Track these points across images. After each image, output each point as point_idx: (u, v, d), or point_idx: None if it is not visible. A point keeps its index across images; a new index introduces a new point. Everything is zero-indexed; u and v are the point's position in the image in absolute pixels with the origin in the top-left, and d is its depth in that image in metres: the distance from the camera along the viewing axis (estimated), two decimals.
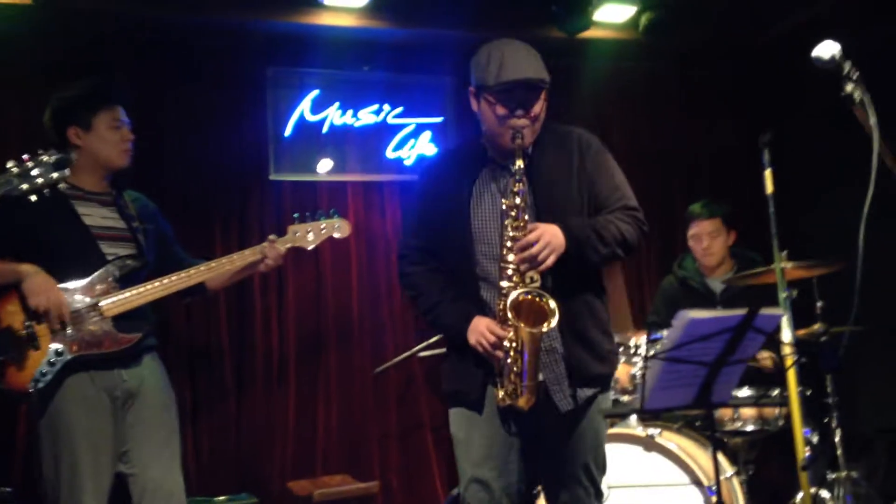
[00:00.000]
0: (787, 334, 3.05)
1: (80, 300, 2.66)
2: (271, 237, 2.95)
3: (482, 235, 2.36)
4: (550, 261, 2.23)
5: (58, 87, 2.88)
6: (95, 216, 2.78)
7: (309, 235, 3.01)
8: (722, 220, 3.89)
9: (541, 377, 2.31)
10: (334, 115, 4.70)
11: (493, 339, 2.26)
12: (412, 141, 4.83)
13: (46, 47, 4.10)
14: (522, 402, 2.26)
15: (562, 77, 5.12)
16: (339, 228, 3.05)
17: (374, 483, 4.12)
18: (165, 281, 2.78)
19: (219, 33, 4.40)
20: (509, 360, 2.25)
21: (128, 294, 2.71)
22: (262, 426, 4.31)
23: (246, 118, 4.51)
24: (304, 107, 4.65)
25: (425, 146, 4.83)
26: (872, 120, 2.21)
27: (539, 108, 2.34)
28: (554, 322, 2.21)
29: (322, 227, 3.03)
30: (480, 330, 2.28)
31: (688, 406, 2.53)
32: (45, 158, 2.25)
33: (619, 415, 3.37)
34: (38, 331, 2.61)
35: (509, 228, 2.27)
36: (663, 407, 2.53)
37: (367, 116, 4.76)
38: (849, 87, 2.23)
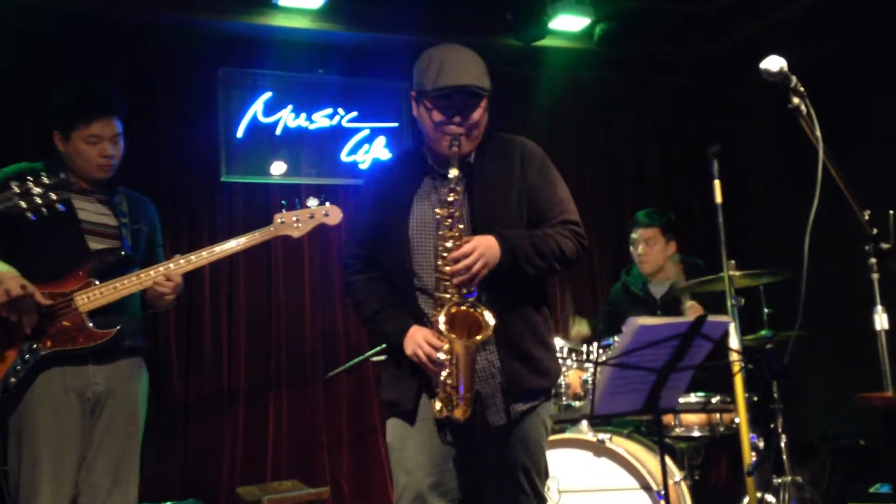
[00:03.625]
0: (734, 341, 3.09)
1: (56, 294, 2.61)
2: (176, 257, 2.78)
3: (419, 245, 2.31)
4: (483, 272, 2.19)
5: (51, 88, 2.84)
6: (90, 211, 2.76)
7: (296, 223, 2.85)
8: (661, 230, 3.93)
9: (477, 389, 2.27)
10: (288, 118, 4.67)
11: (429, 350, 2.22)
12: (367, 146, 4.81)
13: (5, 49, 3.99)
14: (458, 414, 2.22)
15: (516, 85, 5.23)
16: (328, 215, 2.88)
17: (325, 489, 4.07)
18: (139, 277, 2.69)
19: (170, 32, 4.34)
20: (445, 372, 2.21)
21: (106, 288, 2.66)
22: (211, 431, 4.25)
23: (197, 119, 4.46)
24: (257, 108, 4.61)
25: (380, 151, 4.82)
26: (817, 132, 2.27)
27: (478, 115, 2.29)
28: (487, 334, 2.18)
29: (310, 214, 2.86)
30: (417, 341, 2.24)
31: (636, 412, 2.54)
32: (45, 180, 2.34)
33: (570, 420, 3.39)
34: (11, 327, 2.56)
35: (443, 239, 2.23)
36: (613, 412, 2.54)
37: (321, 120, 4.74)
38: (795, 100, 2.29)
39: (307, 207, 2.87)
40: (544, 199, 2.35)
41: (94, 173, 2.76)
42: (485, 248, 2.18)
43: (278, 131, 4.65)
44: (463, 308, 2.19)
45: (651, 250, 3.91)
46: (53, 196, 2.35)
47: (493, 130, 2.39)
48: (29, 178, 2.36)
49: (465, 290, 2.21)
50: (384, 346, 4.03)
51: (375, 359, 4.10)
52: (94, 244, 2.74)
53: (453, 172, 2.22)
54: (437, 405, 2.24)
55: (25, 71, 4.08)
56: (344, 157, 4.78)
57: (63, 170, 2.68)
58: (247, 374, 4.38)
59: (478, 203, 2.27)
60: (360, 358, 4.18)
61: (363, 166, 4.79)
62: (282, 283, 4.52)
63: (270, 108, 4.62)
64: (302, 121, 4.69)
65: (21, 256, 2.62)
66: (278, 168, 4.66)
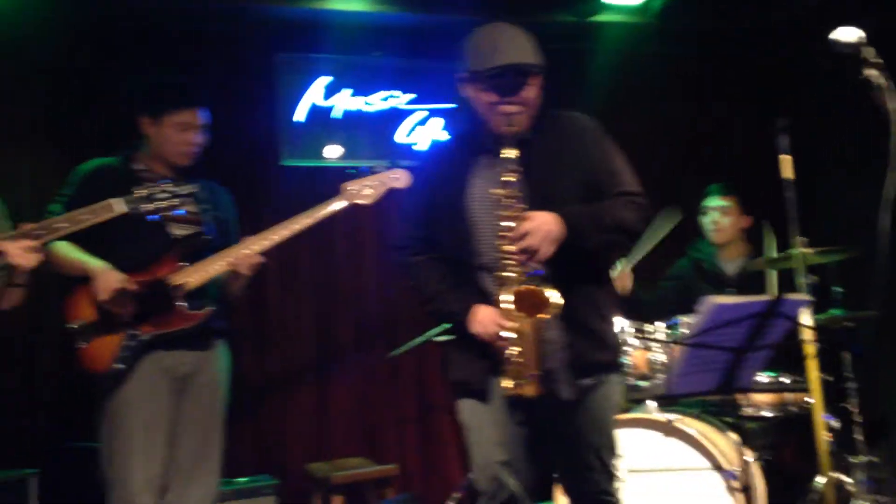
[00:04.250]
0: (807, 319, 3.04)
1: (149, 280, 2.72)
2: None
3: (479, 224, 2.31)
4: (548, 250, 2.19)
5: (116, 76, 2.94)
6: None
7: (366, 190, 2.90)
8: (737, 201, 3.91)
9: (545, 366, 2.29)
10: (346, 101, 4.69)
11: (495, 328, 2.24)
12: (423, 127, 4.81)
13: (54, 34, 4.09)
14: (529, 391, 2.24)
15: (571, 62, 5.17)
16: (397, 178, 2.87)
17: (393, 466, 4.13)
18: (226, 259, 2.79)
19: (229, 19, 4.37)
20: (514, 350, 2.23)
21: (196, 272, 2.76)
22: (279, 409, 4.34)
23: (257, 104, 4.50)
24: (316, 92, 4.64)
25: (438, 132, 4.82)
26: (893, 105, 2.19)
27: (531, 93, 2.29)
28: (554, 311, 2.19)
29: (379, 179, 2.89)
30: (482, 320, 2.26)
31: (712, 391, 2.53)
32: (168, 187, 2.51)
33: (638, 400, 3.37)
34: (112, 317, 2.71)
35: (504, 218, 2.22)
36: (688, 392, 2.54)
37: (379, 102, 4.75)
38: (869, 72, 2.21)
39: (375, 173, 2.89)
40: (603, 173, 2.35)
41: (178, 159, 2.87)
42: (547, 224, 2.19)
43: (336, 115, 4.67)
44: (528, 286, 2.20)
45: (726, 220, 3.88)
46: (176, 202, 2.49)
47: (549, 107, 2.37)
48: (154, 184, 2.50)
49: (529, 268, 2.21)
50: (446, 325, 4.09)
51: (439, 338, 4.12)
52: (177, 230, 2.83)
53: (510, 152, 2.22)
54: (507, 383, 2.26)
55: (81, 59, 4.16)
56: (400, 138, 4.79)
57: (135, 163, 2.77)
58: (313, 352, 4.45)
59: (536, 181, 2.27)
60: (424, 337, 4.21)
61: (419, 147, 4.79)
62: (343, 264, 4.57)
63: (329, 92, 4.65)
64: (360, 103, 4.72)
65: (108, 249, 2.74)
66: (334, 151, 4.68)
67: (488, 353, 2.30)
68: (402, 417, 4.57)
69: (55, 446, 3.79)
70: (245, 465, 4.06)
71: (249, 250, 2.81)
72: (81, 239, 2.73)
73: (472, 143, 2.39)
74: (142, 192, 2.49)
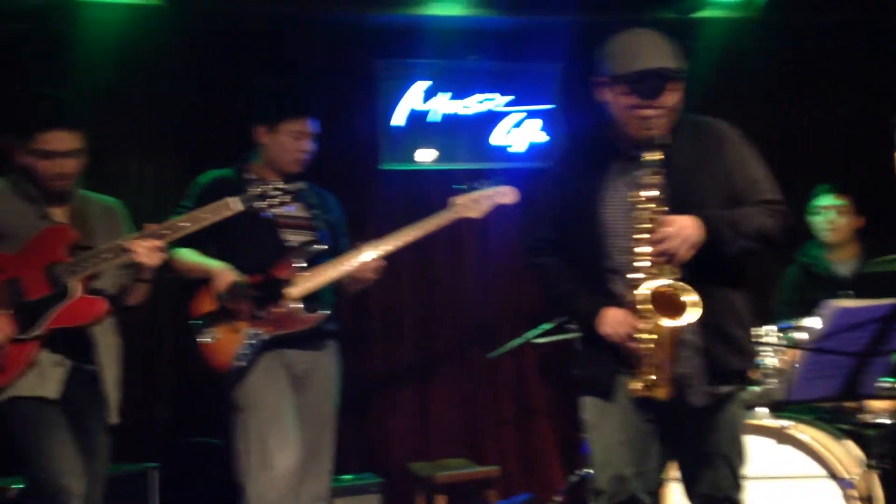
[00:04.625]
0: None
1: (268, 284, 2.85)
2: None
3: (613, 227, 2.33)
4: (687, 254, 2.19)
5: (254, 82, 3.16)
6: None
7: (475, 204, 2.99)
8: (852, 200, 3.78)
9: (678, 370, 2.27)
10: (443, 105, 4.73)
11: (628, 330, 2.24)
12: (520, 129, 4.81)
13: (173, 46, 4.27)
14: (661, 394, 2.24)
15: None
16: (505, 195, 2.99)
17: (495, 468, 4.16)
18: (341, 265, 2.91)
19: (330, 27, 4.48)
20: (647, 352, 2.23)
21: (312, 276, 2.88)
22: (383, 408, 4.43)
23: (357, 110, 4.58)
24: (414, 97, 4.70)
25: (536, 134, 4.81)
26: None
27: (672, 98, 2.28)
28: (695, 314, 2.17)
29: (487, 194, 2.99)
30: (614, 321, 2.27)
31: (834, 398, 2.46)
32: (278, 185, 2.66)
33: (750, 406, 3.29)
34: (235, 316, 2.84)
35: (643, 220, 2.23)
36: (809, 398, 2.47)
37: (475, 105, 4.77)
38: None
39: (483, 189, 2.96)
40: (743, 179, 2.33)
41: (291, 167, 2.98)
42: (688, 228, 2.19)
43: (434, 118, 4.72)
44: (667, 288, 2.19)
45: (841, 219, 3.75)
46: (288, 199, 2.64)
47: (687, 113, 2.36)
48: (268, 184, 2.65)
49: (665, 271, 2.21)
50: (545, 327, 4.09)
51: (537, 340, 4.12)
52: (290, 236, 2.96)
53: (653, 155, 2.22)
54: (636, 384, 2.26)
55: (197, 70, 4.32)
56: (498, 141, 4.80)
57: (247, 173, 2.93)
58: (414, 353, 4.53)
59: (676, 185, 2.26)
60: (522, 339, 4.22)
61: (515, 149, 4.80)
62: (442, 266, 4.62)
63: (426, 96, 4.70)
64: (457, 107, 4.75)
65: (228, 254, 2.88)
66: (431, 154, 4.72)
67: (617, 353, 2.30)
68: (501, 419, 4.59)
69: (175, 441, 3.96)
70: (350, 462, 4.15)
71: (368, 258, 2.90)
72: (204, 247, 2.90)
73: (604, 146, 2.40)
74: (255, 190, 2.62)
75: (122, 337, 2.77)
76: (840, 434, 3.19)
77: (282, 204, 2.66)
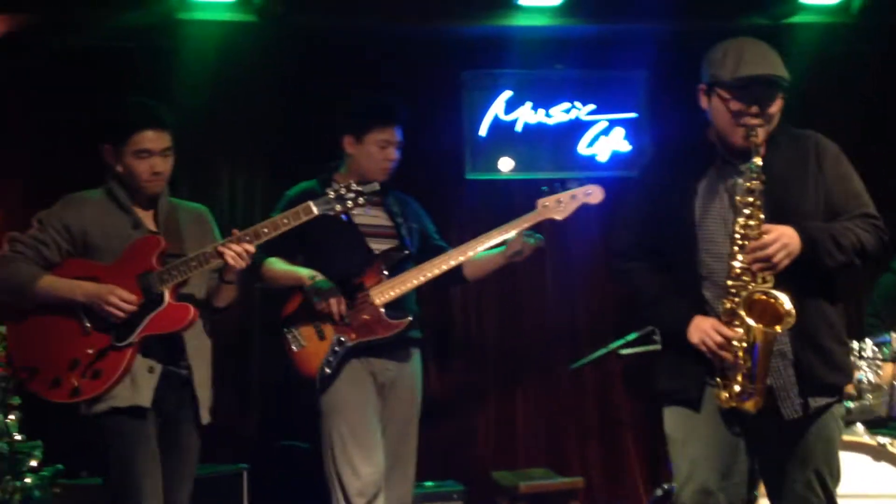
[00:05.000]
0: None
1: (354, 291, 2.93)
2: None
3: (708, 234, 2.32)
4: (785, 263, 2.17)
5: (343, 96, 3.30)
6: (364, 215, 3.04)
7: (560, 206, 2.96)
8: None
9: (768, 381, 2.23)
10: (527, 114, 4.75)
11: (719, 339, 2.22)
12: (604, 138, 4.79)
13: (265, 61, 4.43)
14: (750, 406, 2.21)
15: None
16: (591, 195, 2.95)
17: (579, 479, 4.13)
18: (423, 268, 2.97)
19: (419, 39, 4.56)
20: (738, 361, 2.20)
21: (396, 283, 2.94)
22: (465, 416, 4.47)
23: (442, 121, 4.64)
24: (498, 107, 4.73)
25: (619, 143, 4.78)
26: None
27: (775, 107, 2.28)
28: (790, 323, 2.14)
29: (572, 194, 2.95)
30: (705, 329, 2.25)
31: None
32: (353, 186, 2.67)
33: (846, 422, 3.19)
34: (323, 323, 2.92)
35: (741, 227, 2.22)
36: None
37: (559, 114, 4.78)
38: None
39: (568, 189, 2.94)
40: (840, 193, 2.31)
41: (377, 176, 3.02)
42: (788, 237, 2.17)
43: (518, 128, 4.74)
44: (763, 297, 2.17)
45: None
46: (361, 200, 2.67)
47: (786, 125, 2.35)
48: (342, 186, 2.68)
49: (762, 280, 2.19)
50: (629, 338, 4.05)
51: (623, 351, 4.08)
52: (375, 245, 3.02)
53: (757, 161, 2.21)
54: (724, 395, 2.23)
55: (292, 85, 4.47)
56: (581, 150, 4.79)
57: (333, 183, 2.96)
58: (496, 361, 4.55)
59: (773, 194, 2.24)
60: (607, 349, 4.18)
61: (600, 159, 4.78)
62: (524, 274, 4.62)
63: (511, 106, 4.73)
64: (540, 116, 4.76)
65: (315, 263, 2.97)
66: (512, 164, 4.73)
67: (705, 363, 2.28)
68: (584, 430, 4.57)
69: (265, 444, 4.08)
70: (433, 469, 4.19)
71: (454, 261, 2.96)
72: (292, 257, 3.01)
73: (699, 153, 2.40)
74: (331, 193, 2.66)
75: (215, 340, 2.86)
76: None
77: (357, 205, 2.68)
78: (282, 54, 4.46)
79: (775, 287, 2.19)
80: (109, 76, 4.24)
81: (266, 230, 2.65)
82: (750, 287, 2.19)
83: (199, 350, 2.75)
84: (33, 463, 3.60)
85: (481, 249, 2.99)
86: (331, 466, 2.90)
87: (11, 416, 3.60)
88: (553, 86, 4.79)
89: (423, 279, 2.96)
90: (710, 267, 2.30)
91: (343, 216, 2.75)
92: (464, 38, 4.60)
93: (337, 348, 2.89)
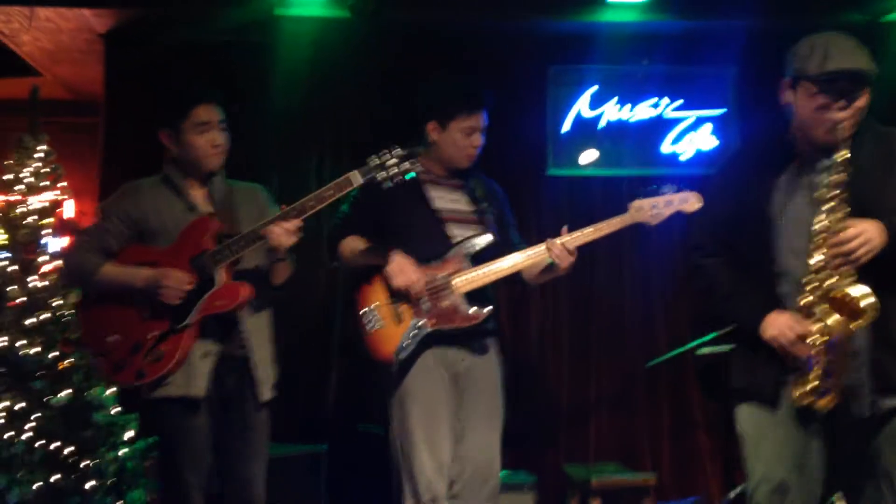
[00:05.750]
0: None
1: (435, 277, 2.86)
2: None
3: (787, 228, 2.30)
4: (867, 258, 2.14)
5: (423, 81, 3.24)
6: (445, 199, 2.98)
7: (653, 210, 2.82)
8: None
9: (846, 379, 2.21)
10: (611, 110, 4.74)
11: (795, 334, 2.20)
12: (690, 135, 4.73)
13: (358, 55, 4.54)
14: (824, 403, 2.19)
15: None
16: (686, 201, 2.78)
17: (651, 475, 4.11)
18: (509, 261, 2.86)
19: (506, 34, 4.59)
20: (814, 358, 2.18)
21: (478, 272, 2.86)
22: (537, 410, 4.49)
23: (528, 115, 4.66)
24: (582, 103, 4.73)
25: (705, 139, 4.72)
26: None
27: (862, 101, 2.24)
28: (870, 319, 2.11)
29: (667, 200, 2.80)
30: (781, 324, 2.24)
31: None
32: (398, 151, 2.63)
33: None
34: (401, 306, 2.86)
35: (821, 222, 2.20)
36: None
37: (644, 110, 4.75)
38: None
39: (663, 194, 2.82)
40: None
41: (462, 163, 2.98)
42: (871, 232, 2.14)
43: (601, 124, 4.73)
44: (841, 292, 2.14)
45: None
46: (407, 165, 2.61)
47: (871, 120, 2.31)
48: (385, 152, 2.62)
49: (842, 274, 2.16)
50: (707, 337, 3.99)
51: (700, 351, 4.03)
52: (453, 230, 2.94)
53: (843, 154, 2.19)
54: (799, 392, 2.21)
55: (384, 80, 4.57)
56: (666, 147, 4.75)
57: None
58: (570, 357, 4.57)
59: (858, 189, 2.21)
60: (684, 348, 4.14)
61: (684, 157, 4.72)
62: (601, 271, 4.61)
63: (595, 102, 4.73)
64: (625, 112, 4.74)
65: (394, 246, 2.88)
66: (592, 156, 4.71)
67: (778, 360, 2.27)
68: (656, 427, 4.55)
69: (344, 425, 4.16)
70: (504, 461, 4.25)
71: (538, 256, 2.86)
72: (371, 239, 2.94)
73: (779, 148, 2.39)
74: (373, 160, 2.61)
75: (295, 320, 2.84)
76: None
77: (403, 172, 2.60)
78: (373, 50, 4.55)
79: (856, 283, 2.16)
80: (209, 71, 4.41)
81: (312, 203, 2.62)
82: (829, 282, 2.16)
83: (257, 328, 2.76)
84: (128, 435, 3.83)
85: (578, 243, 2.84)
86: (397, 455, 2.86)
87: (112, 389, 3.83)
88: (640, 81, 4.75)
89: (505, 272, 2.86)
90: (788, 263, 2.29)
91: (389, 183, 2.63)
92: (551, 33, 4.62)
93: (414, 333, 2.83)
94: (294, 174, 4.51)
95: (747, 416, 2.37)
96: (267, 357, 2.79)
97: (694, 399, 4.54)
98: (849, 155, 2.19)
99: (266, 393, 2.77)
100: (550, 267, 2.92)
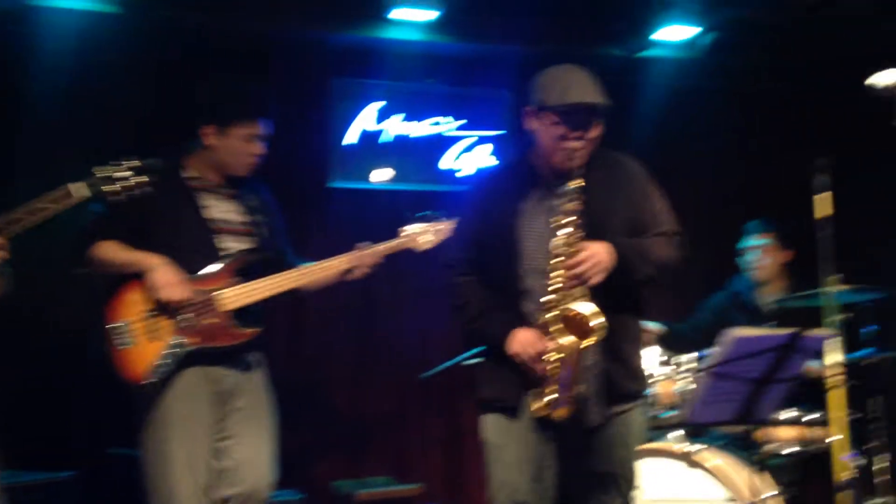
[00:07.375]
0: (836, 356, 3.05)
1: (201, 291, 2.67)
2: (360, 245, 2.85)
3: (529, 250, 2.44)
4: (598, 278, 2.31)
5: (201, 80, 3.13)
6: (218, 209, 2.82)
7: (422, 237, 2.87)
8: (776, 237, 3.90)
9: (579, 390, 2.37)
10: (395, 126, 4.81)
11: (535, 350, 2.34)
12: (469, 153, 4.91)
13: (131, 59, 4.28)
14: (559, 414, 2.34)
15: (619, 96, 5.16)
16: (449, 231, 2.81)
17: (417, 486, 4.18)
18: (280, 278, 2.75)
19: (289, 43, 4.54)
20: (551, 372, 2.32)
21: (247, 288, 2.71)
22: (309, 426, 4.40)
23: (308, 127, 4.62)
24: (367, 117, 4.76)
25: (484, 158, 4.91)
26: None
27: (595, 132, 2.43)
28: (600, 336, 2.28)
29: (439, 227, 2.86)
30: (523, 341, 2.37)
31: (730, 421, 2.57)
32: (132, 163, 2.45)
33: (662, 430, 3.40)
34: (160, 321, 2.65)
35: (558, 245, 2.35)
36: (707, 421, 2.59)
37: (427, 128, 4.86)
38: None
39: (434, 221, 2.87)
40: (647, 212, 2.50)
41: (240, 171, 2.83)
42: (601, 254, 2.32)
43: (384, 139, 4.79)
44: (574, 311, 2.29)
45: (766, 257, 3.88)
46: (136, 180, 2.41)
47: (602, 147, 2.51)
48: (116, 165, 2.42)
49: (575, 294, 2.32)
50: (481, 349, 4.15)
51: (468, 362, 4.18)
52: (225, 242, 2.78)
53: (576, 183, 2.35)
54: (536, 404, 2.34)
55: (155, 79, 4.36)
56: (445, 164, 4.89)
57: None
58: (344, 371, 4.55)
59: (590, 213, 2.39)
60: (457, 359, 4.27)
61: (461, 174, 4.88)
62: (381, 284, 4.65)
63: (380, 117, 4.77)
64: (408, 129, 4.83)
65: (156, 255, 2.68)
66: (382, 174, 4.78)
67: (521, 373, 2.39)
68: (429, 440, 4.63)
69: (95, 451, 3.79)
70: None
71: (310, 278, 2.80)
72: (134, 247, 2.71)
73: (524, 173, 2.52)
74: (102, 171, 2.39)
75: (40, 334, 2.58)
76: (749, 461, 3.29)
77: (137, 186, 2.40)
78: (153, 52, 4.32)
79: (590, 302, 2.32)
80: None
81: (19, 217, 2.30)
82: (564, 302, 2.32)
83: None
84: None
85: (327, 274, 2.83)
86: (151, 478, 2.67)
87: None
88: (424, 99, 4.86)
89: (277, 290, 2.74)
90: (531, 283, 2.42)
91: (120, 197, 2.40)
92: (334, 45, 4.61)
93: (172, 351, 2.63)
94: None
95: (491, 425, 2.48)
96: None
97: (466, 409, 4.65)
98: (583, 183, 2.35)
99: None
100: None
